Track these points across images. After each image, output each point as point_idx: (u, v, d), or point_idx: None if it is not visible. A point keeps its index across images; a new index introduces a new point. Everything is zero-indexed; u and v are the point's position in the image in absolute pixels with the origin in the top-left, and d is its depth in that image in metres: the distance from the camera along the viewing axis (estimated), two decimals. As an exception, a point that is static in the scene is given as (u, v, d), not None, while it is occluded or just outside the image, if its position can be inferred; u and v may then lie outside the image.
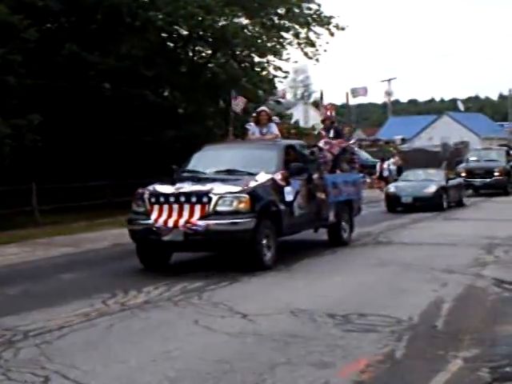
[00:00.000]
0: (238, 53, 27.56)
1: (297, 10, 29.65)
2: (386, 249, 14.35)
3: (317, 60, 30.93)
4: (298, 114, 47.26)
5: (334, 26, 30.16)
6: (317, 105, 74.47)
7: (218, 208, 11.19)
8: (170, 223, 11.21)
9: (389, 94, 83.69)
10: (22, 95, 20.04)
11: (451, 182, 25.40)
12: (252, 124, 14.61)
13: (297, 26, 29.94)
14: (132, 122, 24.10)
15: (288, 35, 30.06)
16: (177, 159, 14.45)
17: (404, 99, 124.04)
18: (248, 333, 7.44)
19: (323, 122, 16.52)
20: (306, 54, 30.63)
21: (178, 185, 11.72)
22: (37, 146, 19.95)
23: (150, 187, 11.92)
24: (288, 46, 29.96)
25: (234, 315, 8.30)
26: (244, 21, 27.56)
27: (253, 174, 11.99)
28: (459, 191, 26.15)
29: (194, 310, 8.65)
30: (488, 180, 30.73)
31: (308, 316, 8.13)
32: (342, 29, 30.37)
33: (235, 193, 11.30)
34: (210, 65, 27.76)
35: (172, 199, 11.42)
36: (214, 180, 11.87)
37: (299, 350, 6.72)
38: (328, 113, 16.59)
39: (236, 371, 6.12)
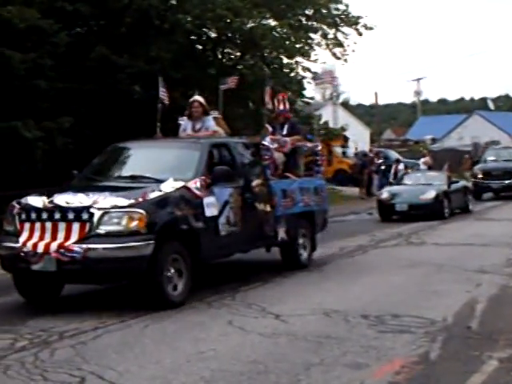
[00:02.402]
0: (266, 54, 27.62)
1: (324, 11, 29.70)
2: (417, 249, 14.27)
3: (345, 60, 30.99)
4: (326, 115, 47.04)
5: (362, 26, 30.21)
6: (346, 105, 74.58)
7: (102, 227, 8.57)
8: (40, 248, 8.62)
9: (418, 93, 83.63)
10: (53, 99, 20.25)
11: (454, 186, 22.24)
12: (184, 118, 11.85)
13: (325, 27, 30.00)
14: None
15: (316, 36, 30.15)
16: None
17: (434, 98, 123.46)
18: (281, 333, 7.44)
19: (275, 118, 13.13)
20: (334, 55, 30.69)
21: (55, 196, 9.03)
22: (68, 149, 20.13)
23: (23, 199, 9.30)
24: (316, 47, 30.04)
25: (267, 316, 8.31)
26: (272, 22, 27.63)
27: (162, 181, 9.39)
28: (464, 196, 22.81)
29: (228, 310, 8.67)
30: (507, 182, 27.88)
31: (341, 317, 8.11)
32: (371, 28, 30.39)
33: (125, 207, 8.67)
34: (238, 67, 27.79)
35: (45, 216, 8.84)
36: (103, 189, 9.25)
37: (333, 351, 6.71)
38: (281, 106, 12.99)
39: (270, 372, 6.13)
